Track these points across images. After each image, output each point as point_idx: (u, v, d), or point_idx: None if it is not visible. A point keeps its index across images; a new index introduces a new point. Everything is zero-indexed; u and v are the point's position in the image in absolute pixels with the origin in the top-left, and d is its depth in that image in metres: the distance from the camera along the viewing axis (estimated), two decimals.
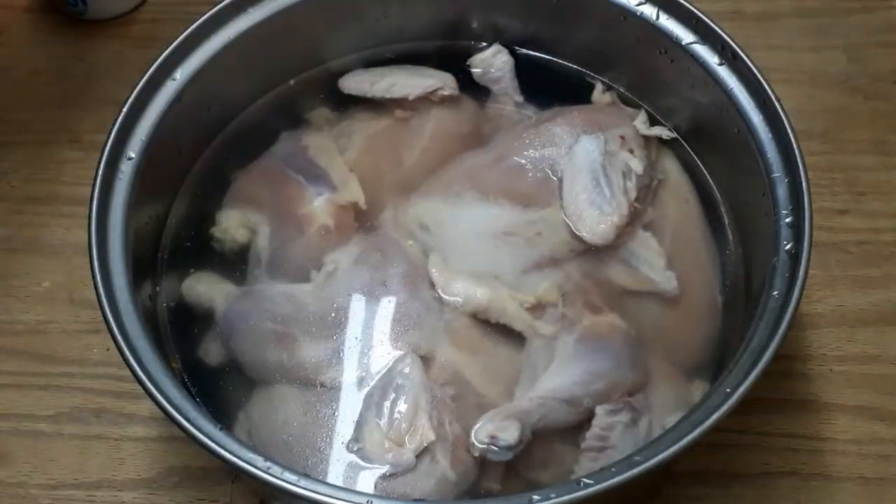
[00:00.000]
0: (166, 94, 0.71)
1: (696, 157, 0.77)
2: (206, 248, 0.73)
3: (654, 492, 0.72)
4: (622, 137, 0.74)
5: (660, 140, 0.77)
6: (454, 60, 0.81)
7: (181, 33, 0.72)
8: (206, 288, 0.71)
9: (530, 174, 0.74)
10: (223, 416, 0.66)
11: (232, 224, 0.74)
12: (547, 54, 0.82)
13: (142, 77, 0.70)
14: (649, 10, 0.74)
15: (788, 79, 0.88)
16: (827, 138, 0.88)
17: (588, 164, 0.72)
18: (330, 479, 0.63)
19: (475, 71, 0.81)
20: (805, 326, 0.78)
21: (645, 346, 0.67)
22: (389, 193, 0.75)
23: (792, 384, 0.76)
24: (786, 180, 0.66)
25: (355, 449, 0.64)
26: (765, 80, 0.68)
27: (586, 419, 0.64)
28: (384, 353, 0.67)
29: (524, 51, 0.82)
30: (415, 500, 0.62)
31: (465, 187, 0.73)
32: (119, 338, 0.60)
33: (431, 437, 0.63)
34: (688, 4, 0.72)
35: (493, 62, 0.81)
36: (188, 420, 0.57)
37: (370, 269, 0.70)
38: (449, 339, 0.67)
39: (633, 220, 0.71)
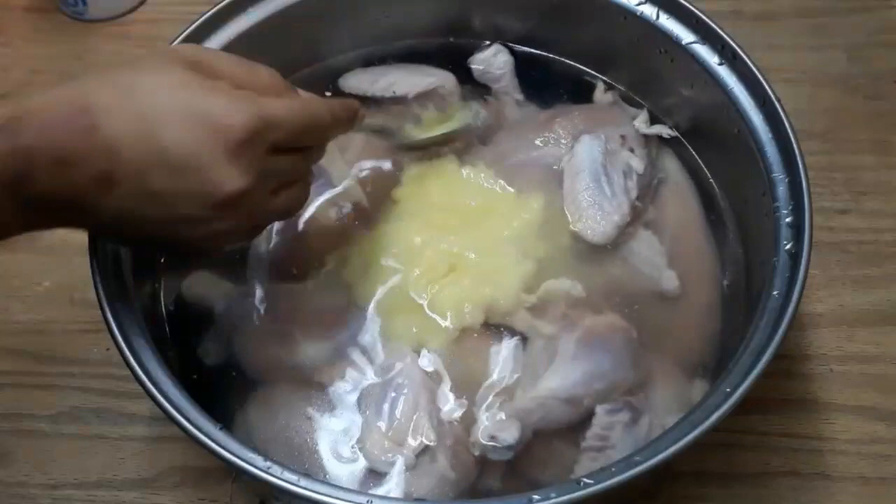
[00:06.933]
0: None
1: (696, 157, 0.77)
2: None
3: (655, 492, 0.72)
4: (623, 136, 0.75)
5: (660, 139, 0.77)
6: (455, 59, 0.81)
7: (181, 33, 0.72)
8: (205, 288, 0.71)
9: (531, 173, 0.74)
10: (223, 416, 0.66)
11: None
12: (547, 53, 0.82)
13: None
14: (649, 10, 0.74)
15: (788, 79, 0.88)
16: (827, 138, 0.88)
17: (589, 164, 0.72)
18: (330, 479, 0.63)
19: (476, 69, 0.81)
20: (805, 326, 0.78)
21: (645, 345, 0.67)
22: (389, 192, 0.75)
23: (792, 384, 0.76)
24: (786, 180, 0.66)
25: (355, 448, 0.64)
26: (765, 79, 0.68)
27: (587, 419, 0.64)
28: (384, 353, 0.67)
29: (525, 50, 0.82)
30: (415, 499, 0.62)
31: None
32: (119, 338, 0.60)
33: (431, 436, 0.63)
34: (688, 4, 0.72)
35: (493, 61, 0.81)
36: (188, 420, 0.57)
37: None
38: (450, 339, 0.67)
39: (634, 219, 0.71)
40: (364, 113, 0.67)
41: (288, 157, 0.58)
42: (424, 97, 0.78)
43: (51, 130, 0.51)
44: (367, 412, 0.65)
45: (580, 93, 0.80)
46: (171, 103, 0.53)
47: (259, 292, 0.71)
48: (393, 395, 0.65)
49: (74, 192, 0.52)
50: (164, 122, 0.52)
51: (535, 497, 0.54)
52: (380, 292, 0.69)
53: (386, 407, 0.65)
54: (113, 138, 0.51)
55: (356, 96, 0.79)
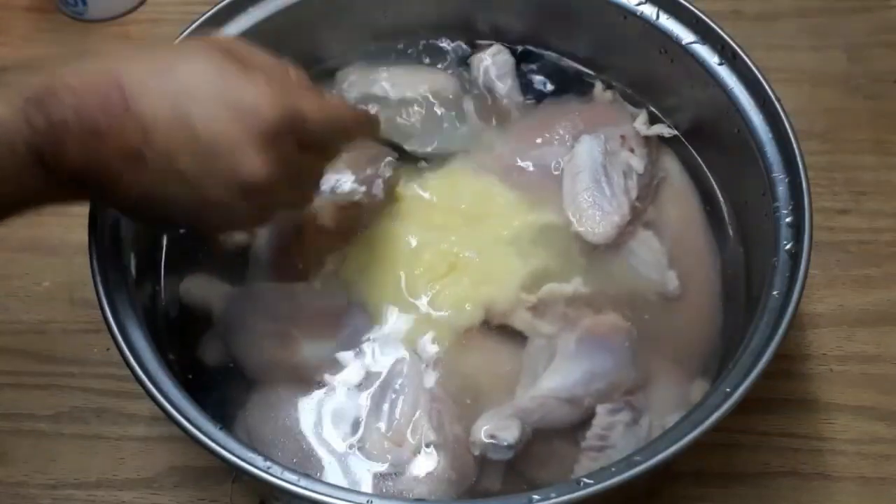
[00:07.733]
0: None
1: (696, 157, 0.77)
2: (206, 248, 0.73)
3: (654, 492, 0.72)
4: (623, 136, 0.75)
5: (661, 139, 0.77)
6: (455, 59, 0.81)
7: (181, 33, 0.72)
8: (204, 290, 0.71)
9: (531, 173, 0.74)
10: (223, 416, 0.66)
11: None
12: (547, 53, 0.82)
13: None
14: (649, 10, 0.74)
15: (788, 79, 0.88)
16: (827, 138, 0.87)
17: (589, 164, 0.72)
18: (330, 479, 0.63)
19: (476, 69, 0.81)
20: (805, 326, 0.78)
21: (645, 345, 0.67)
22: (389, 192, 0.75)
23: (792, 384, 0.76)
24: (786, 180, 0.66)
25: (355, 449, 0.64)
26: (765, 79, 0.68)
27: (587, 418, 0.64)
28: (384, 353, 0.67)
29: (525, 50, 0.82)
30: (415, 499, 0.62)
31: None
32: (119, 338, 0.60)
33: (431, 436, 0.63)
34: (688, 4, 0.72)
35: (493, 61, 0.80)
36: (188, 420, 0.57)
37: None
38: (450, 339, 0.67)
39: (634, 219, 0.71)
40: (382, 125, 0.69)
41: (309, 154, 0.59)
42: (424, 98, 0.78)
43: (85, 105, 0.51)
44: (367, 412, 0.65)
45: (580, 93, 0.80)
46: (206, 87, 0.53)
47: (258, 292, 0.71)
48: (393, 395, 0.65)
49: (104, 167, 0.53)
50: (197, 105, 0.53)
51: (535, 497, 0.54)
52: (379, 292, 0.69)
53: (386, 407, 0.65)
54: (145, 116, 0.52)
55: (356, 96, 0.79)
